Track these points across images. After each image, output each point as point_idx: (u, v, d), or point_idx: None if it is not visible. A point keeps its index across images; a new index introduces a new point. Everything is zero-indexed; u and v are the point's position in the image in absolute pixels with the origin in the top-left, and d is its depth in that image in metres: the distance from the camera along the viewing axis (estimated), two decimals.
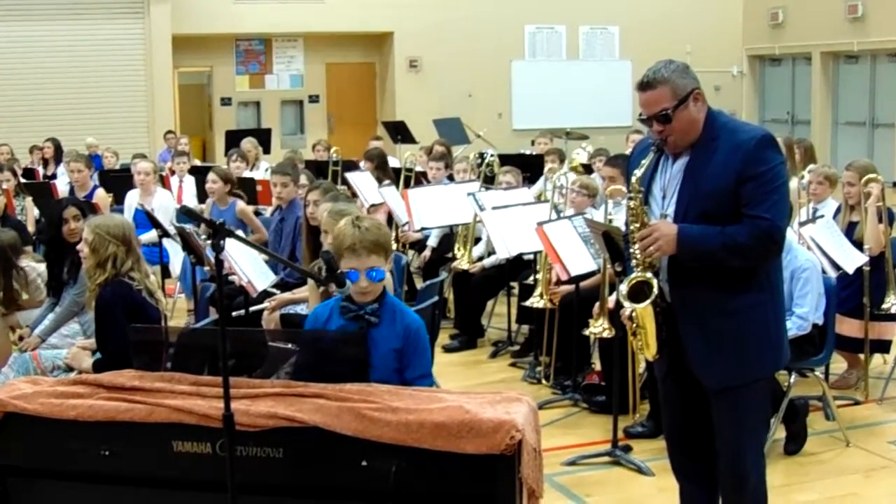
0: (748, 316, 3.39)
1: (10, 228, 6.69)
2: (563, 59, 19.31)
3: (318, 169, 10.48)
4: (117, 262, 4.66)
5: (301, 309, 5.64)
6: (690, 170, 3.40)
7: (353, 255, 3.57)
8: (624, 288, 3.44)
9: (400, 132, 13.66)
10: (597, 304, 5.60)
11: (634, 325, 3.44)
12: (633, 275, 3.43)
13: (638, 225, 3.41)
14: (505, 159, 9.86)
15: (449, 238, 7.96)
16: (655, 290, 3.37)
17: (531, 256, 6.76)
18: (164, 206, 8.12)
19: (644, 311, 3.39)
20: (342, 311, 3.63)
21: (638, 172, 3.43)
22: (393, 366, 3.57)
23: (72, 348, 5.11)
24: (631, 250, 3.45)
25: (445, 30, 17.99)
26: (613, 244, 4.68)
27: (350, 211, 4.72)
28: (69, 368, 4.99)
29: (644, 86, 3.39)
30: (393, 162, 10.82)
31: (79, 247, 4.86)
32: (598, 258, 5.72)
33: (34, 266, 6.05)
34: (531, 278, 6.75)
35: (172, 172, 10.02)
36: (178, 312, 7.96)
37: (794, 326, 4.87)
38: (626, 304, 3.42)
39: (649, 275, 3.40)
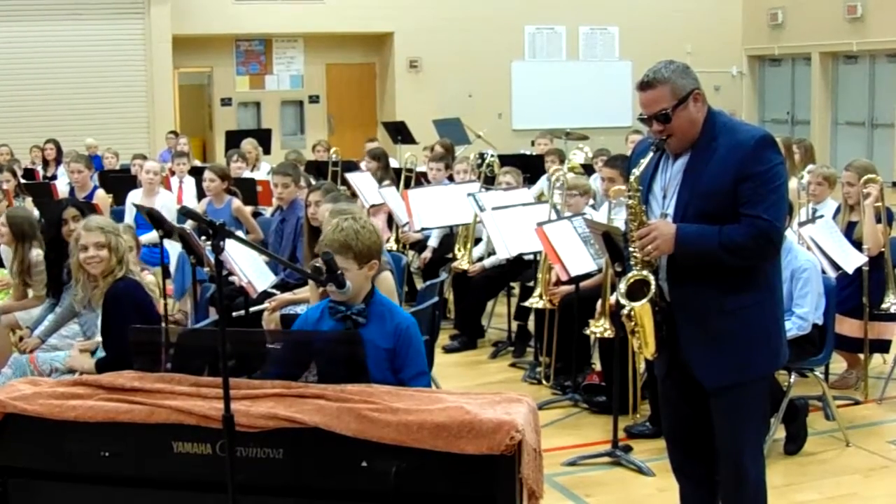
0: (746, 316, 3.40)
1: None
2: (563, 60, 19.31)
3: (317, 169, 10.50)
4: (128, 257, 4.74)
5: (301, 309, 5.64)
6: (690, 169, 3.41)
7: None
8: (622, 286, 3.45)
9: (400, 133, 13.67)
10: (598, 304, 5.60)
11: (633, 323, 3.44)
12: (632, 273, 3.44)
13: (637, 224, 3.42)
14: (505, 160, 9.87)
15: (449, 238, 7.96)
16: (653, 289, 3.38)
17: (531, 257, 6.77)
18: (166, 206, 8.11)
19: (642, 310, 3.40)
20: (331, 313, 3.65)
21: (636, 171, 3.44)
22: (385, 365, 3.58)
23: (72, 352, 5.10)
24: (630, 249, 3.46)
25: (445, 30, 17.99)
26: (614, 244, 4.68)
27: (351, 211, 4.72)
28: (68, 371, 4.99)
29: (644, 85, 3.40)
30: (393, 162, 10.84)
31: (90, 252, 4.79)
32: (597, 259, 5.72)
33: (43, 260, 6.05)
34: (533, 281, 6.75)
35: (172, 173, 10.02)
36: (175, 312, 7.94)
37: (795, 326, 4.87)
38: (624, 302, 3.43)
39: (646, 273, 3.41)
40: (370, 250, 3.65)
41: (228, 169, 9.48)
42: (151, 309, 4.70)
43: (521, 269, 7.15)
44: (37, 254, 6.04)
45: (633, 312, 3.41)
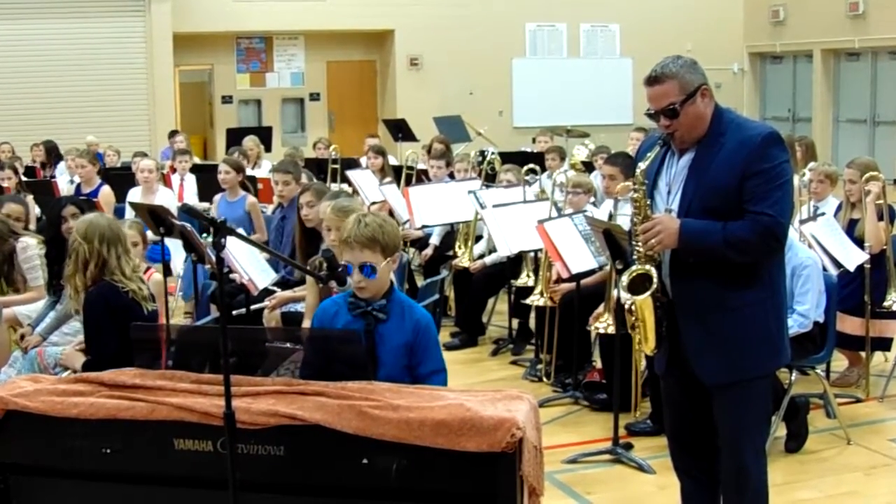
0: (749, 313, 3.39)
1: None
2: (564, 57, 19.30)
3: (318, 167, 10.50)
4: (112, 264, 4.60)
5: (302, 307, 5.63)
6: (696, 165, 3.40)
7: (348, 249, 3.61)
8: (624, 280, 3.45)
9: (401, 130, 13.67)
10: (602, 305, 5.59)
11: (634, 318, 3.44)
12: (634, 267, 3.43)
13: (641, 218, 3.42)
14: (506, 157, 9.87)
15: (450, 236, 7.96)
16: (655, 283, 3.37)
17: (532, 253, 6.77)
18: (166, 204, 8.11)
19: (644, 304, 3.39)
20: (350, 307, 3.63)
21: (643, 165, 3.44)
22: (403, 362, 3.58)
23: (66, 348, 5.10)
24: (633, 243, 3.45)
25: (446, 27, 17.98)
26: (615, 242, 4.67)
27: (353, 207, 4.72)
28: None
29: (652, 80, 3.39)
30: (393, 160, 10.85)
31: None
32: (598, 256, 5.72)
33: (30, 243, 5.99)
34: (522, 277, 6.75)
35: (174, 171, 10.02)
36: (178, 311, 7.95)
37: (796, 324, 4.87)
38: (626, 296, 3.42)
39: (648, 267, 3.40)
40: (395, 243, 3.66)
41: None
42: (131, 311, 4.53)
43: (522, 267, 7.14)
44: (24, 244, 5.98)
45: (634, 306, 3.41)
